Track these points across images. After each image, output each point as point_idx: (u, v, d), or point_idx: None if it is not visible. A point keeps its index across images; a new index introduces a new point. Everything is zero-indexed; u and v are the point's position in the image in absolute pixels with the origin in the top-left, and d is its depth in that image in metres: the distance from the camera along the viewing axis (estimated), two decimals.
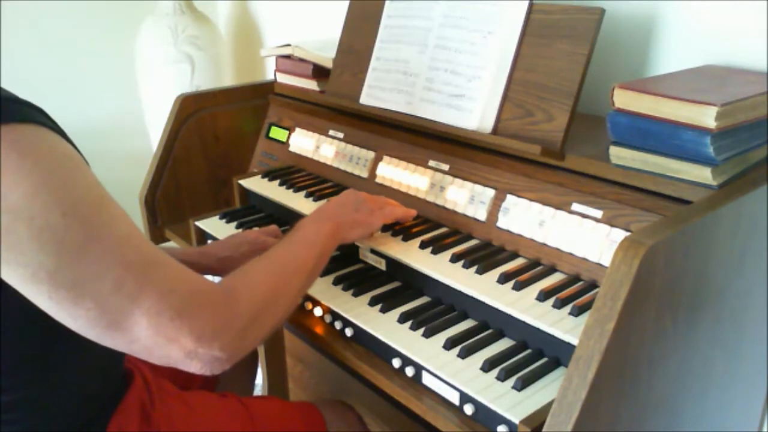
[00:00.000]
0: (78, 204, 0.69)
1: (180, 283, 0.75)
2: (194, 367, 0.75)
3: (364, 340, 1.00)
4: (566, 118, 1.04)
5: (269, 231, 1.22)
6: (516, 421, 0.79)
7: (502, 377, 0.86)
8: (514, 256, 1.06)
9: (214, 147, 1.59)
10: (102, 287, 0.69)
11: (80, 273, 0.68)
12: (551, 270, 1.01)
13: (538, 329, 0.89)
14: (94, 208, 0.71)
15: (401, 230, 1.14)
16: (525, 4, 1.11)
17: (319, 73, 1.49)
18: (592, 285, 0.96)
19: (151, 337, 0.72)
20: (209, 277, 0.86)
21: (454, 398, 0.87)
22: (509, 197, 1.09)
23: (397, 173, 1.26)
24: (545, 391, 0.84)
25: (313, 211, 1.04)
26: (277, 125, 1.57)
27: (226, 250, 1.16)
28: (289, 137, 1.53)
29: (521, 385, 0.84)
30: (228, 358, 0.76)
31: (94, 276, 0.69)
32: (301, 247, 0.94)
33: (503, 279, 0.98)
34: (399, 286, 1.10)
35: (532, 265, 1.02)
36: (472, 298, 0.98)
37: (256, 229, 1.25)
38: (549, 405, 0.75)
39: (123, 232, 0.73)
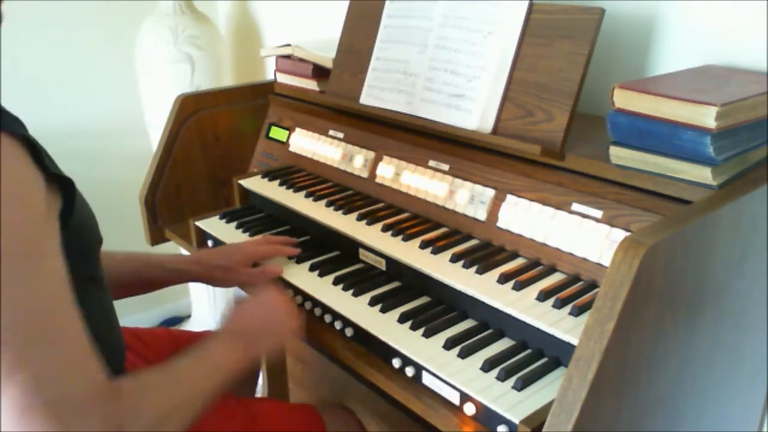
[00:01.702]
0: (9, 236, 0.62)
1: (73, 370, 0.65)
2: None
3: (364, 340, 1.00)
4: (566, 118, 1.04)
5: (262, 241, 1.22)
6: (516, 421, 0.79)
7: (502, 377, 0.86)
8: (514, 256, 1.06)
9: (214, 147, 1.59)
10: None
11: None
12: (551, 270, 1.01)
13: (538, 329, 0.89)
14: (24, 248, 0.64)
15: (401, 230, 1.14)
16: (525, 4, 1.11)
17: (319, 73, 1.49)
18: (592, 285, 0.96)
19: (12, 415, 0.61)
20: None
21: (454, 398, 0.87)
22: (509, 197, 1.09)
23: (397, 173, 1.26)
24: (545, 391, 0.84)
25: (226, 323, 0.96)
26: (277, 125, 1.57)
27: (218, 258, 1.17)
28: (289, 137, 1.53)
29: (521, 385, 0.84)
30: None
31: None
32: (208, 369, 0.85)
33: (503, 279, 0.98)
34: (399, 286, 1.10)
35: (532, 265, 1.02)
36: (472, 298, 0.98)
37: (249, 240, 1.25)
38: (549, 405, 0.75)
39: (43, 288, 0.65)
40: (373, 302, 1.05)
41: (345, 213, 1.24)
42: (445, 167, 1.20)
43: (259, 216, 1.41)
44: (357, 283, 1.10)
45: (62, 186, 0.75)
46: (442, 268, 1.04)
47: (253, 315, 0.98)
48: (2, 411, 0.61)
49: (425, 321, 0.99)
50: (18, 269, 0.63)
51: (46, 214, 0.69)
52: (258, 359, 0.95)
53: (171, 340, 1.27)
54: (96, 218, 0.88)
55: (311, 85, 1.51)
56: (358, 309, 1.04)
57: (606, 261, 0.95)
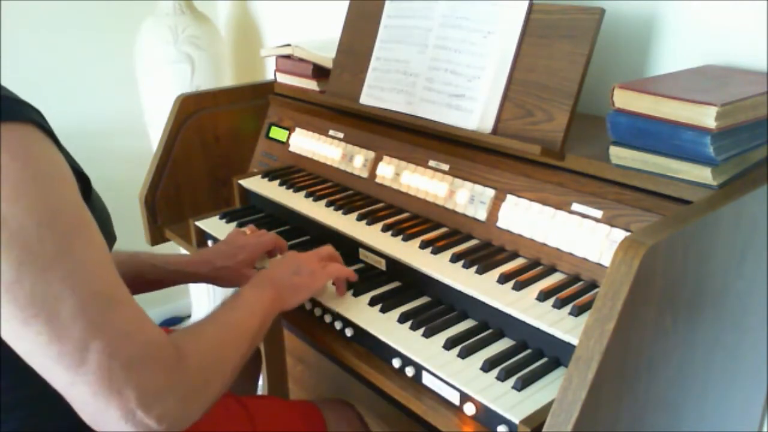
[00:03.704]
0: (56, 216, 0.66)
1: (139, 328, 0.69)
2: None
3: (364, 340, 1.00)
4: (566, 118, 1.04)
5: (259, 233, 1.22)
6: (516, 421, 0.79)
7: (502, 377, 0.86)
8: (514, 256, 1.06)
9: (214, 147, 1.59)
10: (60, 311, 0.64)
11: (40, 290, 0.63)
12: (551, 270, 1.01)
13: (538, 329, 0.89)
14: (72, 225, 0.67)
15: (401, 230, 1.15)
16: (525, 4, 1.11)
17: (319, 73, 1.49)
18: (592, 285, 0.96)
19: (96, 382, 0.64)
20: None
21: (454, 398, 0.87)
22: (509, 197, 1.09)
23: (397, 173, 1.26)
24: (545, 391, 0.84)
25: (254, 276, 1.00)
26: (277, 125, 1.57)
27: (222, 259, 1.16)
28: (289, 137, 1.53)
29: (521, 385, 0.84)
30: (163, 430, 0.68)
31: (54, 297, 0.64)
32: (244, 313, 0.89)
33: (503, 279, 0.98)
34: (399, 286, 1.10)
35: (532, 265, 1.02)
36: (472, 298, 0.98)
37: (245, 229, 1.25)
38: (549, 405, 0.75)
39: (96, 258, 0.68)
40: (373, 302, 1.05)
41: (345, 213, 1.24)
42: (445, 167, 1.20)
43: (259, 216, 1.41)
44: (357, 283, 1.10)
45: (79, 180, 0.77)
46: (442, 268, 1.04)
47: (280, 268, 1.02)
48: (84, 381, 0.64)
49: (425, 321, 0.99)
50: (80, 242, 0.67)
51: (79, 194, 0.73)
52: (288, 309, 0.98)
53: None
54: (111, 217, 0.89)
55: (311, 85, 1.51)
56: (358, 309, 1.04)
57: (606, 261, 0.95)
